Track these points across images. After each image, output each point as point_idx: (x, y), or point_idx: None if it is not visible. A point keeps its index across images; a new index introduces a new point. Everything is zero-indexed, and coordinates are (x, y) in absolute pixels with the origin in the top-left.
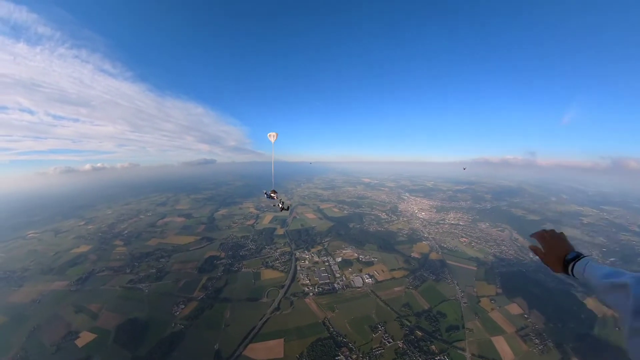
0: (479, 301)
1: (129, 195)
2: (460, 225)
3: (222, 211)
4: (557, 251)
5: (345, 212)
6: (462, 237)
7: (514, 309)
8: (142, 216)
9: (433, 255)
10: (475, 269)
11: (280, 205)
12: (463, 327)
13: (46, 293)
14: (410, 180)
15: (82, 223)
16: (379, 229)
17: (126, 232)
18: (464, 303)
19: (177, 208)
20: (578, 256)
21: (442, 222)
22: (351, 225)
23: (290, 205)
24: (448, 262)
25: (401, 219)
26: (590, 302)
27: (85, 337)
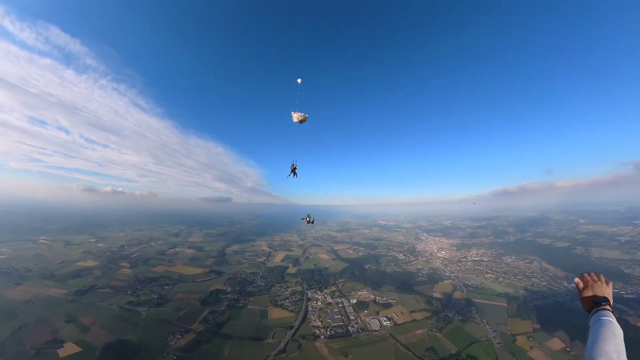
0: (515, 340)
1: (143, 222)
2: (484, 261)
3: (234, 247)
4: (596, 290)
5: (361, 253)
6: (488, 273)
7: (556, 344)
8: (153, 243)
9: (457, 295)
10: (505, 305)
11: (308, 220)
12: None
13: (42, 296)
14: (427, 220)
15: (93, 240)
16: (397, 269)
17: (135, 255)
18: (498, 343)
19: (188, 240)
20: (604, 305)
21: (464, 259)
22: (367, 266)
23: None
24: (474, 300)
25: (420, 259)
26: None
27: (69, 349)
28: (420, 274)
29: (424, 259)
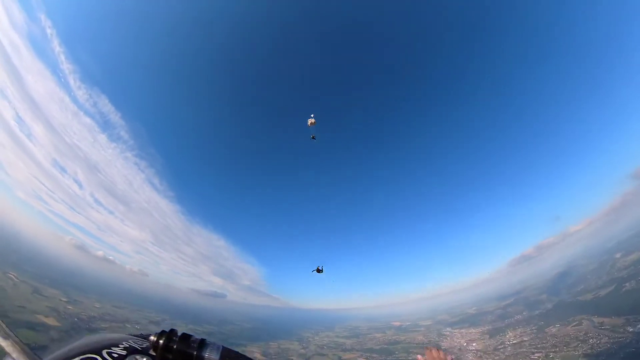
0: None
1: (124, 300)
2: (525, 341)
3: None
4: None
5: None
6: (534, 353)
7: None
8: (128, 325)
9: None
10: None
11: (318, 269)
12: None
13: None
14: (447, 313)
15: (65, 299)
16: None
17: (103, 332)
18: None
19: None
20: None
21: (502, 346)
22: None
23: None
24: None
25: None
26: None
27: None
28: None
29: (452, 356)
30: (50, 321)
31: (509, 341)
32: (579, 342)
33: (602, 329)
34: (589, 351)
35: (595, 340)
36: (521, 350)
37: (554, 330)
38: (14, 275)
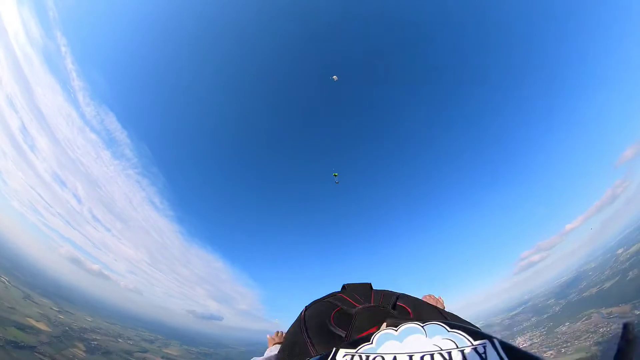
0: None
1: (116, 316)
2: (535, 342)
3: None
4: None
5: None
6: (546, 352)
7: None
8: (120, 340)
9: None
10: None
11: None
12: None
13: None
14: None
15: (56, 309)
16: None
17: (95, 343)
18: None
19: (163, 350)
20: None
21: None
22: None
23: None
24: None
25: None
26: None
27: None
28: None
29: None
30: (41, 325)
31: (519, 345)
32: (589, 334)
33: (611, 317)
34: (600, 339)
35: (605, 329)
36: (532, 351)
37: (564, 328)
38: (5, 279)
